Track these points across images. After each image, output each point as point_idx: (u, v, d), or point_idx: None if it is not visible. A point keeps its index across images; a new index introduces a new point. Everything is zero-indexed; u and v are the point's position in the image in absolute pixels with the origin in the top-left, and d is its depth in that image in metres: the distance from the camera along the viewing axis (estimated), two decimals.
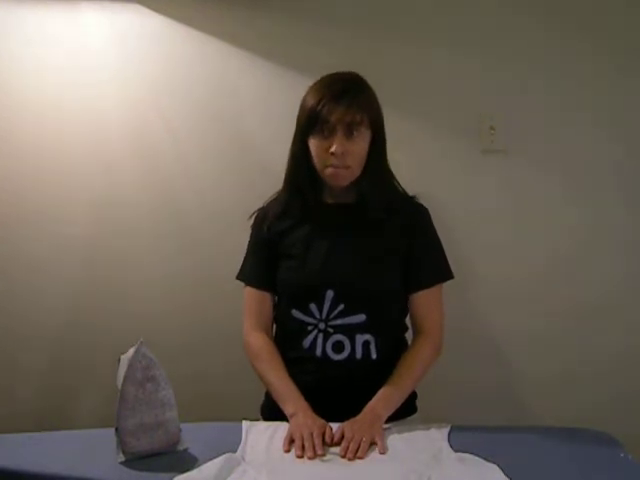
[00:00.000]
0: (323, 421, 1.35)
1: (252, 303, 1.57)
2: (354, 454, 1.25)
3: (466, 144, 2.02)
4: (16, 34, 2.02)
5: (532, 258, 2.05)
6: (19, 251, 2.10)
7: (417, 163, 2.02)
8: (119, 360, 1.30)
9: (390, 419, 1.41)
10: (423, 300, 1.54)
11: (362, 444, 1.27)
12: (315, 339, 1.48)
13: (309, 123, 1.44)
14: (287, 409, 1.41)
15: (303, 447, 1.26)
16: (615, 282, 2.05)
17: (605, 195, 2.03)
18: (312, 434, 1.29)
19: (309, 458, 1.24)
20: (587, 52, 1.97)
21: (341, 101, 1.41)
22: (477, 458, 1.20)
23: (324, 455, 1.26)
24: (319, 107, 1.42)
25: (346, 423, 1.34)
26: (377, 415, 1.38)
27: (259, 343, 1.54)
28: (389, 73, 2.00)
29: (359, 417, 1.36)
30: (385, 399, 1.42)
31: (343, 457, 1.26)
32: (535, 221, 2.04)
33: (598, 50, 1.97)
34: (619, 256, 2.04)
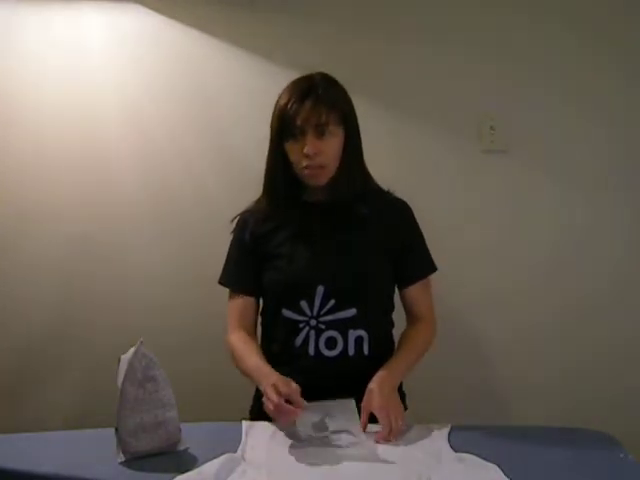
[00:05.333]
0: (290, 388, 1.32)
1: (235, 308, 1.57)
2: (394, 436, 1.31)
3: (466, 144, 2.02)
4: (17, 34, 2.02)
5: (532, 258, 2.05)
6: (18, 249, 2.10)
7: (417, 163, 2.03)
8: (119, 360, 1.30)
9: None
10: (417, 292, 1.58)
11: (399, 427, 1.32)
12: (307, 336, 1.49)
13: (280, 128, 1.46)
14: (260, 385, 1.40)
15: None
16: (615, 282, 2.05)
17: (605, 195, 2.03)
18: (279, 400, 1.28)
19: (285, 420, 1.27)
20: (587, 52, 1.98)
21: (306, 102, 1.42)
22: (477, 458, 1.20)
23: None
24: (286, 111, 1.43)
25: (374, 406, 1.34)
26: (394, 388, 1.42)
27: (234, 339, 1.54)
28: (389, 73, 2.00)
29: (380, 396, 1.36)
30: (394, 371, 1.45)
31: (378, 442, 1.29)
32: (535, 221, 2.05)
33: (598, 50, 1.97)
34: (619, 256, 2.05)
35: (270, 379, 1.34)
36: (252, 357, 1.47)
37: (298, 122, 1.42)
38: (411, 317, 1.60)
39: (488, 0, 1.98)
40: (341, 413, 1.29)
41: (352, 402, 1.32)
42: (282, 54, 2.00)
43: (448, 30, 1.99)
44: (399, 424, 1.33)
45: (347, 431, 1.30)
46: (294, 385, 1.31)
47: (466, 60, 1.99)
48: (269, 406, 1.30)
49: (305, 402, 1.29)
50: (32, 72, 2.04)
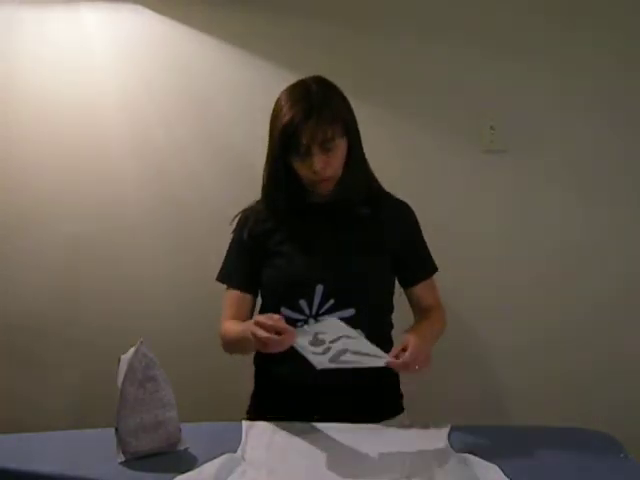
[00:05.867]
0: (273, 319, 1.31)
1: (229, 303, 1.57)
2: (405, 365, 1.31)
3: (466, 144, 2.02)
4: (17, 35, 2.02)
5: (532, 257, 2.05)
6: (18, 249, 2.10)
7: (417, 163, 2.03)
8: (119, 360, 1.30)
9: (378, 419, 1.43)
10: (421, 291, 1.60)
11: (412, 367, 1.32)
12: None
13: (283, 144, 1.44)
14: (247, 334, 1.37)
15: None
16: (616, 279, 2.05)
17: (605, 195, 2.03)
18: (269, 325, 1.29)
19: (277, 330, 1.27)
20: (587, 52, 1.98)
21: (309, 121, 1.40)
22: (477, 458, 1.20)
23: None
24: (289, 130, 1.41)
25: (412, 338, 1.34)
26: (428, 345, 1.41)
27: (224, 325, 1.55)
28: (389, 73, 2.00)
29: (419, 340, 1.35)
30: (425, 332, 1.45)
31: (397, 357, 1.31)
32: (535, 221, 2.05)
33: (598, 50, 1.98)
34: (619, 255, 2.05)
35: (251, 322, 1.34)
36: (237, 326, 1.49)
37: (303, 141, 1.41)
38: (419, 310, 1.61)
39: (488, 0, 1.98)
40: (331, 329, 1.35)
41: (337, 320, 1.38)
42: (281, 53, 2.00)
43: (448, 30, 1.99)
44: (417, 365, 1.32)
45: (345, 336, 1.33)
46: (276, 316, 1.32)
47: (466, 60, 1.99)
48: (260, 346, 1.31)
49: (293, 329, 1.32)
50: (32, 72, 2.04)
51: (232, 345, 1.53)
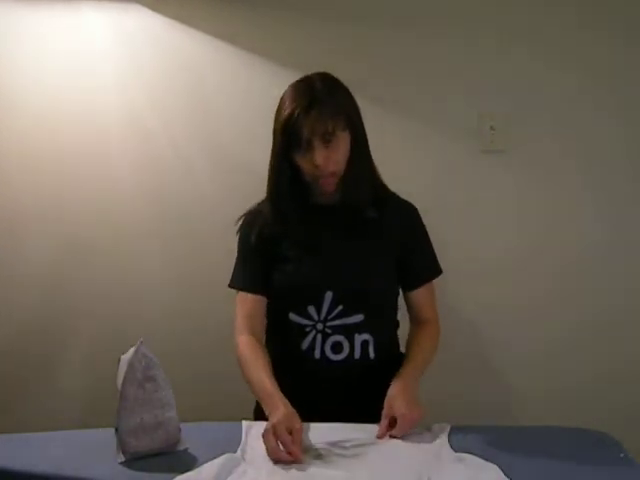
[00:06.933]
0: (288, 437, 1.23)
1: (243, 308, 1.53)
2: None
3: (466, 144, 2.02)
4: (16, 35, 2.02)
5: (531, 258, 2.05)
6: (19, 253, 2.10)
7: (417, 163, 2.03)
8: (119, 360, 1.30)
9: (379, 419, 1.41)
10: (423, 295, 1.58)
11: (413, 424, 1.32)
12: (314, 340, 1.48)
13: (285, 140, 1.43)
14: (265, 410, 1.36)
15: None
16: (615, 282, 2.05)
17: (604, 195, 2.03)
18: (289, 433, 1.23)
19: (288, 458, 1.20)
20: (587, 52, 1.98)
21: (311, 113, 1.38)
22: (477, 458, 1.20)
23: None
24: (291, 123, 1.40)
25: (397, 413, 1.32)
26: (414, 395, 1.39)
27: (242, 343, 1.49)
28: (389, 73, 2.00)
29: (403, 403, 1.34)
30: (411, 377, 1.43)
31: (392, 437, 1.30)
32: (535, 221, 2.04)
33: (598, 50, 1.97)
34: (619, 256, 2.05)
35: (273, 416, 1.27)
36: (259, 371, 1.42)
37: (304, 134, 1.40)
38: (416, 319, 1.60)
39: (488, 0, 1.98)
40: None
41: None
42: (283, 53, 2.00)
43: (448, 30, 1.99)
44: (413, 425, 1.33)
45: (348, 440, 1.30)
46: (297, 425, 1.25)
47: (466, 60, 1.99)
48: (266, 448, 1.24)
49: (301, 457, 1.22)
50: (32, 72, 2.03)
51: (244, 378, 1.47)
